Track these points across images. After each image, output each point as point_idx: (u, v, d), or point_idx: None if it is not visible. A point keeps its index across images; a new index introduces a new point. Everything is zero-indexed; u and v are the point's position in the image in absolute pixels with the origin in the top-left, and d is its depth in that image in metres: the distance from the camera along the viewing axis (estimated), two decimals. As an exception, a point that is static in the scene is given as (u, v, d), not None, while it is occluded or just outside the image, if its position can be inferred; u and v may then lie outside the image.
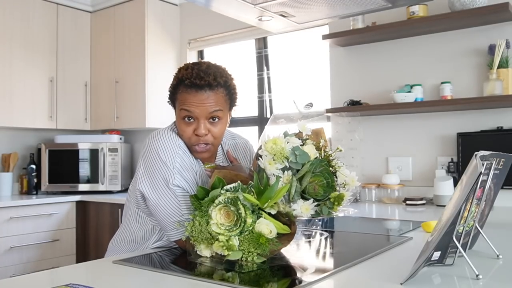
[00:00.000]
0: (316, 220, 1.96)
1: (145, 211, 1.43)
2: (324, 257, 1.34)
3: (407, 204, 2.53)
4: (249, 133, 3.66)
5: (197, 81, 1.31)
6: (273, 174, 1.16)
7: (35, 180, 3.71)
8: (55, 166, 3.67)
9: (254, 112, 3.62)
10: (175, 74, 1.40)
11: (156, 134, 1.38)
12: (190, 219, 1.20)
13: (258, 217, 1.13)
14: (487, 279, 0.99)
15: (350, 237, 1.64)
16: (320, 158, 1.22)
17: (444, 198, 2.40)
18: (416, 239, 1.47)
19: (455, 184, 2.42)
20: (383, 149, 2.87)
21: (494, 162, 1.04)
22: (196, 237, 1.15)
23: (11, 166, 3.66)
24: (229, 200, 1.12)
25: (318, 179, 1.17)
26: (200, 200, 1.18)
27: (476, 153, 0.96)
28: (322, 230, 1.67)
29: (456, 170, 2.53)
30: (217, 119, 1.37)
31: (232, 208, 1.11)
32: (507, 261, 1.14)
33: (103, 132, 4.08)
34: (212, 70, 1.35)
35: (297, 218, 1.18)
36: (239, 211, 1.10)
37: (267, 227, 1.11)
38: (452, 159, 2.58)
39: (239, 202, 1.11)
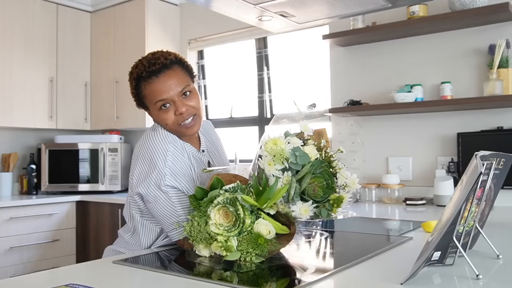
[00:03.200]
0: (316, 220, 1.96)
1: (149, 216, 1.43)
2: (324, 257, 1.34)
3: (407, 204, 2.52)
4: (249, 133, 3.65)
5: (152, 68, 1.36)
6: (273, 175, 1.16)
7: (35, 180, 3.71)
8: (55, 166, 3.67)
9: (254, 112, 3.62)
10: (129, 78, 1.42)
11: (148, 138, 1.39)
12: (187, 218, 1.20)
13: (257, 218, 1.13)
14: (487, 279, 0.99)
15: (350, 237, 1.64)
16: (321, 159, 1.21)
17: (444, 198, 2.40)
18: (416, 239, 1.47)
19: (455, 184, 2.42)
20: (383, 149, 2.87)
21: (494, 162, 1.04)
22: (194, 237, 1.15)
23: (11, 166, 3.66)
24: (228, 201, 1.12)
25: (318, 180, 1.17)
26: (199, 200, 1.18)
27: (476, 153, 0.96)
28: (322, 230, 1.67)
29: (456, 170, 2.53)
30: (188, 93, 1.41)
31: (231, 209, 1.11)
32: (507, 261, 1.14)
33: (103, 132, 4.08)
34: (158, 53, 1.41)
35: (296, 219, 1.18)
36: (238, 212, 1.10)
37: (266, 227, 1.11)
38: (452, 159, 2.58)
39: (237, 203, 1.11)
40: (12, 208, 3.17)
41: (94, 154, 3.67)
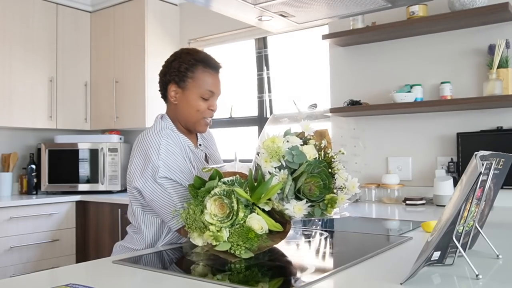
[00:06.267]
0: (316, 220, 1.96)
1: (150, 209, 1.48)
2: (324, 257, 1.34)
3: (407, 204, 2.53)
4: (249, 133, 3.66)
5: (217, 65, 1.55)
6: (268, 172, 1.16)
7: (35, 180, 3.71)
8: (55, 166, 3.67)
9: (254, 112, 3.62)
10: (187, 54, 1.51)
11: (144, 134, 1.48)
12: (184, 207, 1.23)
13: (252, 212, 1.14)
14: (487, 279, 0.99)
15: (350, 237, 1.64)
16: (320, 159, 1.21)
17: (444, 198, 2.40)
18: (416, 239, 1.47)
19: (455, 184, 2.42)
20: (383, 149, 2.87)
21: (494, 162, 1.04)
22: (190, 224, 1.17)
23: (11, 166, 3.66)
24: (224, 193, 1.14)
25: (315, 180, 1.17)
26: (197, 189, 1.20)
27: (476, 153, 0.96)
28: (322, 230, 1.67)
29: (456, 170, 2.53)
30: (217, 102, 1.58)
31: (225, 201, 1.13)
32: (507, 261, 1.14)
33: (103, 132, 4.08)
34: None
35: (291, 218, 1.18)
36: (232, 204, 1.12)
37: (258, 222, 1.13)
38: (452, 159, 2.59)
39: (233, 196, 1.13)
40: (12, 208, 3.17)
41: (94, 154, 3.67)
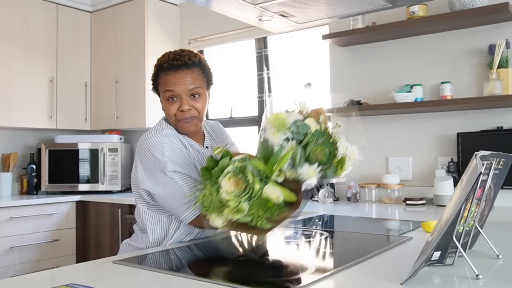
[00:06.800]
0: (316, 220, 1.96)
1: (156, 208, 1.49)
2: (324, 257, 1.34)
3: (407, 204, 2.52)
4: (249, 133, 3.65)
5: (174, 62, 1.46)
6: (277, 144, 1.18)
7: (35, 180, 3.71)
8: (55, 166, 3.67)
9: (254, 112, 3.62)
10: (154, 65, 1.53)
11: (145, 135, 1.48)
12: (199, 188, 1.23)
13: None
14: (487, 279, 0.99)
15: (350, 237, 1.64)
16: (321, 131, 1.24)
17: (444, 198, 2.40)
18: (416, 239, 1.47)
19: (455, 184, 2.42)
20: (383, 149, 2.87)
21: (494, 162, 1.04)
22: (207, 207, 1.17)
23: (11, 166, 3.66)
24: (238, 169, 1.15)
25: (321, 148, 1.19)
26: (210, 170, 1.21)
27: (476, 153, 0.96)
28: (322, 230, 1.68)
29: (456, 170, 2.53)
30: (197, 96, 1.49)
31: (240, 176, 1.14)
32: (507, 261, 1.14)
33: (103, 132, 4.08)
34: (186, 52, 1.50)
35: (305, 184, 1.19)
36: (247, 178, 1.13)
37: (274, 192, 1.14)
38: (452, 159, 2.58)
39: (247, 170, 1.14)
40: (12, 208, 3.17)
41: (94, 154, 3.67)
